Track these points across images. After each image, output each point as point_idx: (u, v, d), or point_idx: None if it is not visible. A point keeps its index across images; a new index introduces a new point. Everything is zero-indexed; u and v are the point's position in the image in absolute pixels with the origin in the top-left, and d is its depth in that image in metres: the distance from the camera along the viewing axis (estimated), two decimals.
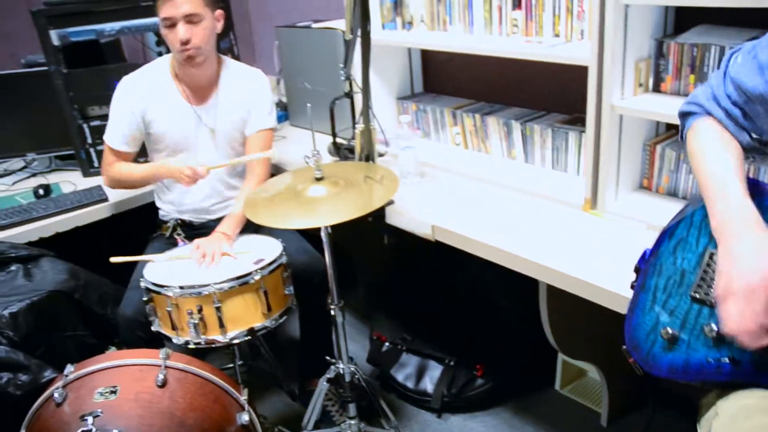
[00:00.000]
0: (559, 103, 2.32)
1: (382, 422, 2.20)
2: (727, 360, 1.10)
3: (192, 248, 2.06)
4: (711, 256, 1.18)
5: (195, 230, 2.33)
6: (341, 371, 2.06)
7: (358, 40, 1.94)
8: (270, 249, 2.03)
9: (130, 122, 2.21)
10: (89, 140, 2.71)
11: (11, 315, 1.87)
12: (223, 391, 1.80)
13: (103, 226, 2.49)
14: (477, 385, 2.46)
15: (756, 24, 1.68)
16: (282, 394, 2.59)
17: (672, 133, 1.98)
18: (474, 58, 2.20)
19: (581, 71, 1.82)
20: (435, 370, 2.54)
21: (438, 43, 2.28)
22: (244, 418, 1.78)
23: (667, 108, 1.72)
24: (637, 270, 1.32)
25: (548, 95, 2.35)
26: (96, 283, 2.20)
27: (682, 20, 1.85)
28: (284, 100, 3.13)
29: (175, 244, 2.26)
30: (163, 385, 1.67)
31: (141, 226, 2.45)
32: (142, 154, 2.32)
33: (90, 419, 1.56)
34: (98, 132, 2.68)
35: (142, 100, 2.20)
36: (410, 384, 2.54)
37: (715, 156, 1.22)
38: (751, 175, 1.64)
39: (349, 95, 2.29)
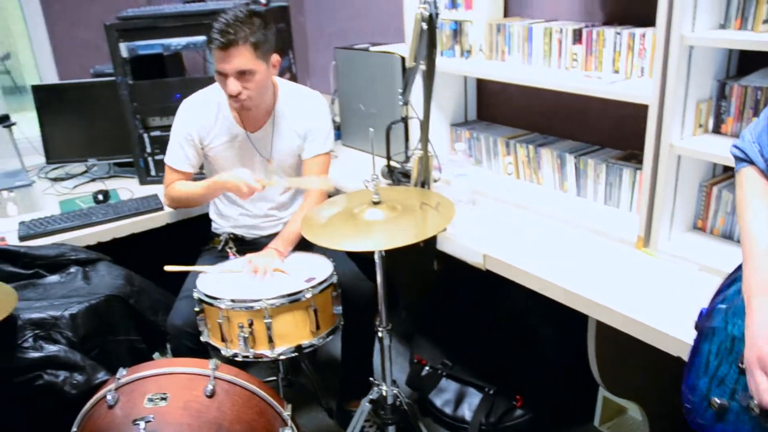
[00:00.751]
0: (614, 139, 2.32)
1: None
2: None
3: (244, 262, 2.10)
4: None
5: (246, 245, 2.37)
6: (384, 393, 2.08)
7: (421, 68, 1.97)
8: (321, 268, 2.06)
9: (189, 144, 2.25)
10: (148, 149, 2.79)
11: (71, 316, 1.94)
12: (268, 405, 1.82)
13: (157, 234, 2.56)
14: (516, 416, 2.44)
15: None
16: (319, 411, 2.61)
17: (729, 174, 1.96)
18: (530, 89, 2.22)
19: (638, 108, 1.83)
20: (474, 398, 2.53)
21: (496, 73, 2.29)
22: None
23: (725, 150, 1.69)
24: (696, 327, 1.29)
25: (603, 130, 2.35)
26: (149, 289, 2.26)
27: (745, 63, 1.84)
28: (337, 119, 3.18)
29: (226, 257, 2.31)
30: (212, 395, 1.70)
31: (193, 237, 2.51)
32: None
33: (142, 424, 1.59)
34: (157, 142, 2.77)
35: (200, 123, 2.23)
36: (448, 410, 2.54)
37: (753, 211, 1.21)
38: None
39: (405, 120, 2.32)
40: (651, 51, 1.94)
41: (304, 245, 2.23)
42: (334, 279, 2.03)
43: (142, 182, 2.86)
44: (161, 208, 2.55)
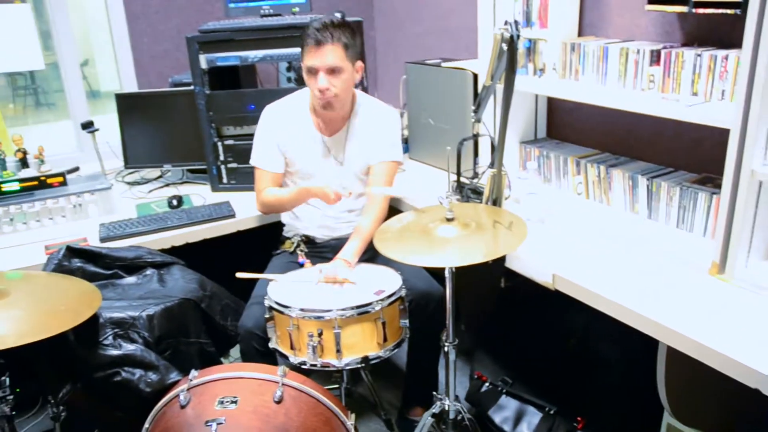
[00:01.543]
0: (688, 161, 2.28)
1: None
2: None
3: (314, 272, 2.15)
4: None
5: (317, 247, 2.46)
6: (446, 407, 2.09)
7: (496, 87, 1.98)
8: (390, 280, 2.09)
9: (274, 145, 2.38)
10: (221, 157, 2.88)
11: (148, 317, 2.00)
12: (333, 413, 1.85)
13: (228, 240, 2.63)
14: None
15: None
16: (377, 421, 2.63)
17: None
18: (602, 108, 2.20)
19: (715, 131, 1.80)
20: (533, 417, 2.51)
21: (570, 93, 2.29)
22: None
23: None
24: None
25: (677, 152, 2.31)
26: (220, 294, 2.32)
27: None
28: (405, 133, 3.22)
29: (296, 261, 2.37)
30: (280, 401, 1.74)
31: (263, 244, 2.58)
32: None
33: (214, 425, 1.64)
34: (230, 150, 2.86)
35: (281, 127, 2.37)
36: (507, 427, 2.52)
37: None
38: None
39: (476, 137, 2.34)
40: (733, 74, 1.90)
41: (371, 254, 2.27)
42: (403, 292, 2.05)
43: (214, 189, 2.95)
44: (233, 215, 2.63)
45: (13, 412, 1.70)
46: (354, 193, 2.38)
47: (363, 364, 1.98)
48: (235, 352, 2.53)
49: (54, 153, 3.40)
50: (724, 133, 1.78)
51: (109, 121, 3.28)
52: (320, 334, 1.91)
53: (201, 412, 1.72)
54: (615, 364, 2.49)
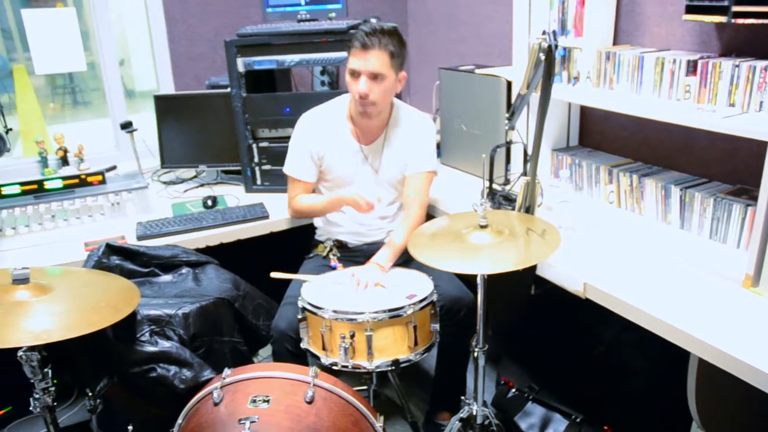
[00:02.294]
0: (722, 172, 2.27)
1: None
2: None
3: (347, 274, 2.18)
4: None
5: (349, 252, 2.49)
6: (474, 412, 2.10)
7: (532, 95, 1.99)
8: (422, 285, 2.11)
9: (307, 155, 2.40)
10: (256, 159, 2.92)
11: (183, 315, 2.04)
12: (363, 415, 1.87)
13: (261, 241, 2.67)
14: None
15: None
16: (403, 423, 2.65)
17: None
18: (636, 118, 2.20)
19: (752, 143, 1.79)
20: (560, 424, 2.51)
21: (605, 102, 2.29)
22: None
23: None
24: None
25: (710, 162, 2.30)
26: (253, 294, 2.36)
27: None
28: (438, 138, 3.23)
29: (329, 264, 2.40)
30: (311, 401, 1.76)
31: (296, 246, 2.62)
32: None
33: (247, 423, 1.67)
34: (265, 152, 2.90)
35: (318, 135, 2.39)
36: None
37: None
38: None
39: (509, 144, 2.35)
40: None
41: (404, 259, 2.30)
42: (434, 297, 2.08)
43: (248, 190, 2.99)
44: (267, 217, 2.67)
45: (54, 403, 1.74)
46: (385, 200, 2.41)
47: (393, 367, 2.01)
48: (264, 351, 2.57)
49: (90, 150, 3.48)
50: (761, 145, 1.77)
51: (143, 120, 3.35)
52: (352, 336, 1.94)
53: (234, 410, 1.75)
54: (643, 374, 2.47)
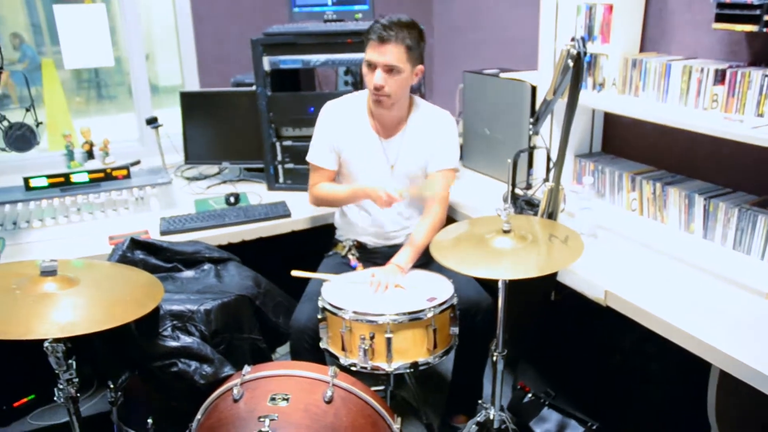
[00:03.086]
0: (748, 182, 2.25)
1: None
2: None
3: (367, 275, 2.18)
4: None
5: (368, 253, 2.49)
6: (491, 417, 2.10)
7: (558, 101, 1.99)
8: (442, 288, 2.12)
9: (328, 142, 2.41)
10: (279, 158, 2.95)
11: (205, 311, 2.06)
12: (380, 416, 1.87)
13: (282, 239, 2.69)
14: None
15: None
16: (418, 425, 2.65)
17: None
18: (660, 126, 2.19)
19: None
20: (575, 431, 2.50)
21: (631, 109, 2.27)
22: None
23: None
24: None
25: (736, 172, 2.28)
26: (273, 292, 2.38)
27: None
28: (460, 141, 3.23)
29: (348, 264, 2.41)
30: (330, 401, 1.77)
31: (316, 244, 2.63)
32: None
33: (267, 421, 1.68)
34: (288, 151, 2.92)
35: (339, 124, 2.40)
36: None
37: None
38: None
39: (532, 149, 2.34)
40: None
41: (423, 261, 2.31)
42: (455, 300, 2.08)
43: (270, 188, 3.01)
44: (289, 215, 2.69)
45: (78, 394, 1.77)
46: (406, 196, 2.42)
47: (412, 369, 2.01)
48: (282, 349, 2.59)
49: (114, 144, 3.53)
50: None
51: (166, 116, 3.38)
52: (372, 338, 1.95)
53: (253, 408, 1.76)
54: (661, 384, 2.46)
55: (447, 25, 3.87)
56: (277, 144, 2.93)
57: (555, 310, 2.75)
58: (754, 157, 2.18)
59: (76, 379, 1.75)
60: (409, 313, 1.96)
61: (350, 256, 2.46)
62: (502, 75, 2.87)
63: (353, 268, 2.38)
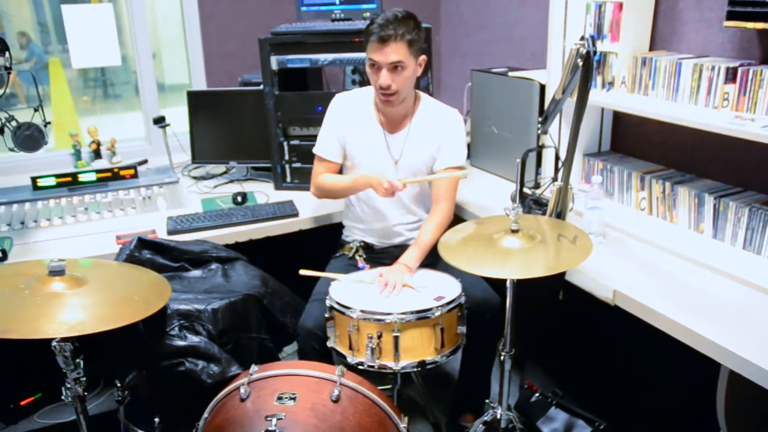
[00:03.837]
0: (759, 182, 2.23)
1: None
2: None
3: (375, 275, 2.18)
4: None
5: (375, 254, 2.49)
6: (498, 416, 2.10)
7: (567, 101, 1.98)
8: (450, 287, 2.11)
9: (335, 135, 2.42)
10: (286, 157, 2.94)
11: (213, 311, 2.06)
12: (387, 415, 1.87)
13: (289, 239, 2.69)
14: None
15: None
16: (425, 424, 2.65)
17: None
18: (670, 124, 2.17)
19: None
20: (583, 431, 2.49)
21: (641, 108, 2.25)
22: None
23: None
24: None
25: (747, 172, 2.27)
26: (281, 292, 2.37)
27: None
28: (468, 140, 3.23)
29: (355, 265, 2.41)
30: (337, 400, 1.77)
31: (324, 244, 2.63)
32: None
33: (273, 420, 1.68)
34: (296, 150, 2.92)
35: (346, 117, 2.40)
36: None
37: None
38: None
39: (541, 149, 2.33)
40: None
41: (431, 260, 2.30)
42: (462, 299, 2.07)
43: (277, 187, 3.01)
44: (296, 215, 2.68)
45: (85, 393, 1.77)
46: (408, 187, 2.40)
47: (419, 368, 2.01)
48: (289, 348, 2.59)
49: (121, 143, 3.53)
50: None
51: (172, 114, 3.38)
52: (379, 337, 1.95)
53: (260, 407, 1.76)
54: (669, 384, 2.45)
55: (455, 23, 3.86)
56: (285, 143, 2.92)
57: (563, 309, 2.74)
58: (764, 156, 2.17)
59: (84, 378, 1.76)
60: (417, 312, 1.95)
61: (358, 258, 2.45)
62: (511, 74, 2.86)
63: (361, 270, 2.38)
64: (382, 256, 2.46)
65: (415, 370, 2.02)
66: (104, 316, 1.62)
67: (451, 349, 2.06)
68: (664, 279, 2.03)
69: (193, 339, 2.02)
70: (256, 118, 3.00)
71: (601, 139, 2.75)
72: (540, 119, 2.26)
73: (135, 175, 2.89)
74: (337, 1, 2.89)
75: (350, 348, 2.02)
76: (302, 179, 2.94)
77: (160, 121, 3.16)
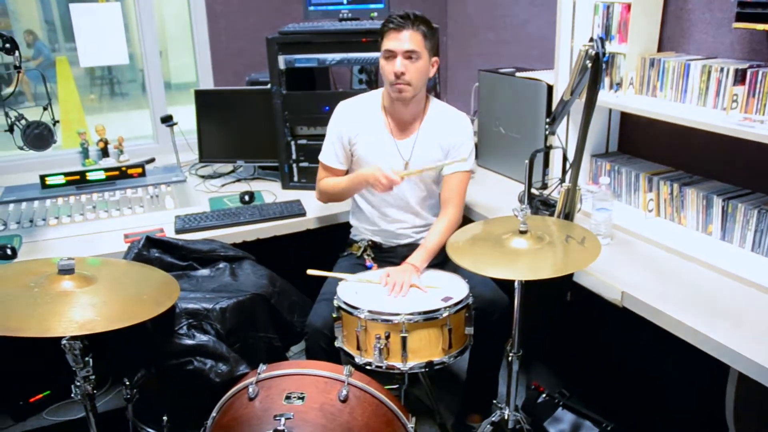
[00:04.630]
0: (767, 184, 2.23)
1: None
2: None
3: (382, 275, 2.18)
4: None
5: (383, 252, 2.49)
6: (506, 417, 2.10)
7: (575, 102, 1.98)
8: (457, 287, 2.11)
9: (339, 143, 2.42)
10: (294, 156, 2.95)
11: (221, 310, 2.06)
12: (395, 416, 1.87)
13: (297, 238, 2.69)
14: None
15: None
16: (432, 424, 2.65)
17: None
18: (678, 126, 2.17)
19: None
20: None
21: (649, 109, 2.25)
22: None
23: None
24: None
25: (755, 173, 2.26)
26: (288, 291, 2.37)
27: None
28: (475, 140, 3.22)
29: (363, 264, 2.41)
30: (345, 400, 1.77)
31: (331, 244, 2.63)
32: None
33: (282, 420, 1.68)
34: (303, 150, 2.92)
35: (352, 124, 2.40)
36: None
37: None
38: None
39: (548, 149, 2.33)
40: None
41: (438, 261, 2.30)
42: (470, 300, 2.07)
43: (285, 186, 3.02)
44: (304, 214, 2.69)
45: (95, 391, 1.78)
46: (415, 191, 2.42)
47: (427, 369, 2.01)
48: (296, 347, 2.59)
49: (129, 142, 3.54)
50: None
51: (179, 113, 3.39)
52: (387, 337, 1.95)
53: (269, 406, 1.76)
54: (677, 385, 2.45)
55: (462, 24, 3.86)
56: (292, 142, 2.93)
57: (570, 310, 2.74)
58: None
59: (93, 377, 1.76)
60: (425, 313, 1.95)
61: (366, 257, 2.46)
62: (518, 74, 2.86)
63: (368, 269, 2.38)
64: (391, 255, 2.47)
65: (423, 370, 2.02)
66: (114, 314, 1.62)
67: (459, 350, 2.06)
68: (672, 281, 2.02)
69: (202, 338, 2.02)
70: (263, 118, 3.00)
71: (608, 140, 2.74)
72: (548, 120, 2.26)
73: (143, 174, 2.89)
74: (345, 1, 2.89)
75: (358, 348, 2.03)
76: (309, 178, 2.95)
77: (167, 119, 3.17)
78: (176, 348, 1.99)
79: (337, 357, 2.15)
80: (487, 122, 3.10)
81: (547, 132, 2.26)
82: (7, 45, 2.25)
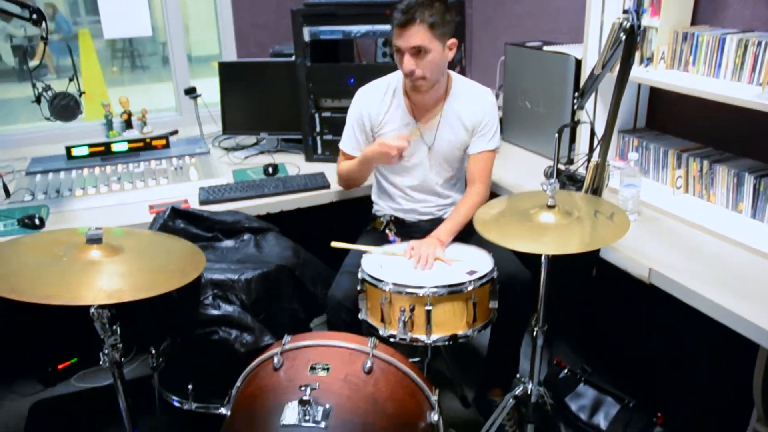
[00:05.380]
0: None
1: None
2: None
3: (407, 248, 2.18)
4: None
5: (406, 227, 2.48)
6: (528, 391, 2.10)
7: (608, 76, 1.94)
8: (482, 261, 2.11)
9: (360, 130, 2.41)
10: (317, 129, 2.94)
11: (246, 281, 2.08)
12: (419, 387, 1.87)
13: (321, 210, 2.69)
14: None
15: None
16: (452, 397, 2.67)
17: None
18: (709, 102, 2.12)
19: None
20: (611, 408, 2.49)
21: (682, 84, 2.19)
22: (434, 417, 1.84)
23: None
24: None
25: None
26: (312, 263, 2.38)
27: None
28: (500, 114, 3.19)
29: (386, 239, 2.41)
30: (369, 372, 1.77)
31: (355, 216, 2.63)
32: None
33: (308, 390, 1.69)
34: (327, 122, 2.91)
35: (373, 110, 2.38)
36: (583, 416, 2.52)
37: None
38: None
39: (576, 124, 2.30)
40: None
41: (463, 235, 2.29)
42: (495, 274, 2.07)
43: (308, 159, 3.01)
44: (327, 186, 2.68)
45: (122, 359, 1.80)
46: (439, 179, 2.41)
47: (451, 342, 2.01)
48: (318, 319, 2.60)
49: (152, 114, 3.55)
50: None
51: (200, 86, 3.37)
52: (412, 310, 1.95)
53: (294, 376, 1.77)
54: (702, 364, 2.43)
55: None
56: (316, 115, 2.91)
57: (596, 286, 2.73)
58: None
59: (120, 345, 1.78)
60: (450, 286, 1.95)
61: (388, 231, 2.45)
62: (546, 48, 2.82)
63: (392, 243, 2.38)
64: (413, 230, 2.46)
65: (447, 343, 2.02)
66: (141, 284, 1.63)
67: (483, 324, 2.06)
68: (701, 258, 2.00)
69: (227, 308, 2.04)
70: (287, 90, 2.99)
71: (636, 115, 2.70)
72: (576, 94, 2.23)
73: (167, 146, 2.90)
74: None
75: (382, 320, 2.03)
76: (333, 151, 2.93)
77: (191, 91, 3.17)
78: (202, 318, 2.01)
79: (358, 329, 2.15)
80: (513, 97, 3.06)
81: (575, 107, 2.23)
82: (34, 16, 2.25)
